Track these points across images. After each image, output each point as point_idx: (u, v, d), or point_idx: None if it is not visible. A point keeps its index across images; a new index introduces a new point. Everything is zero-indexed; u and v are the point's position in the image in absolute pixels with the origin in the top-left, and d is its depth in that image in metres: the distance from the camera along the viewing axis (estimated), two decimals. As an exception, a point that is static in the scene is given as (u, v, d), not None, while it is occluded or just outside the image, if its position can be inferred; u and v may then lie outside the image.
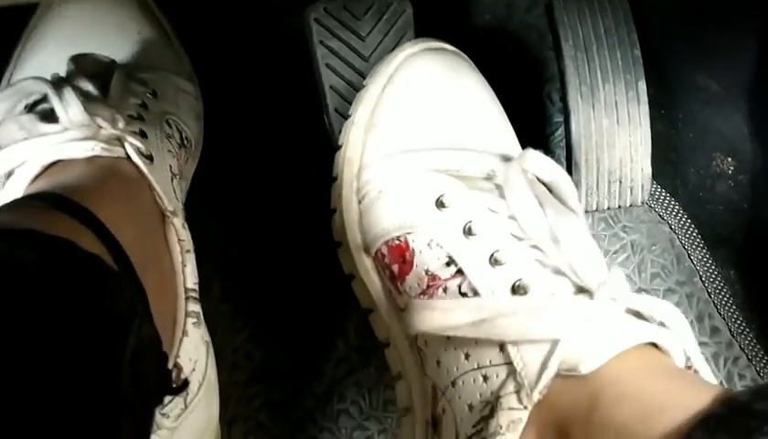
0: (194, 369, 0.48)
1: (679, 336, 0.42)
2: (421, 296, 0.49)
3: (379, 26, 0.61)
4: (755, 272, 0.73)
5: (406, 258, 0.50)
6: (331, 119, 0.61)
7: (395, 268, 0.51)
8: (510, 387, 0.43)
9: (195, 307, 0.49)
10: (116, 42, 0.59)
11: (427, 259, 0.49)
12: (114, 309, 0.36)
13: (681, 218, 0.75)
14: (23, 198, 0.45)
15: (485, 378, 0.45)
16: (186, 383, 0.46)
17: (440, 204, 0.49)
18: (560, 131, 0.74)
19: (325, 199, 0.67)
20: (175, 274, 0.49)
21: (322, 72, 0.61)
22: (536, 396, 0.42)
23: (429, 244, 0.49)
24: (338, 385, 0.67)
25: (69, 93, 0.48)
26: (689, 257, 0.75)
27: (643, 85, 0.66)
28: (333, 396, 0.67)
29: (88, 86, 0.51)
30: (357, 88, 0.58)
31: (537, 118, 0.76)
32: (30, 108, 0.52)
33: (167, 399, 0.45)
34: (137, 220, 0.47)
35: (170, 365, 0.45)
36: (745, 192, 0.73)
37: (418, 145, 0.53)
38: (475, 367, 0.45)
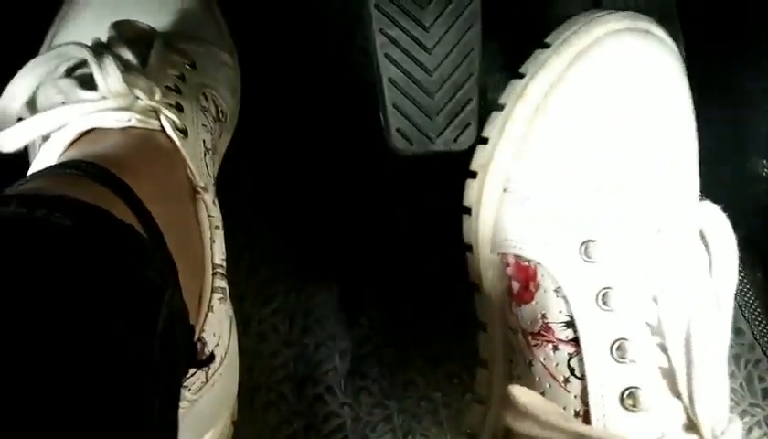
0: (217, 344, 0.48)
1: None
2: (530, 338, 0.45)
3: (444, 15, 0.56)
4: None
5: (529, 287, 0.46)
6: (387, 115, 0.56)
7: (515, 286, 0.47)
8: None
9: (221, 283, 0.50)
10: (158, 10, 0.59)
11: (549, 304, 0.45)
12: (148, 279, 0.36)
13: (712, 218, 0.74)
14: (58, 164, 0.45)
15: None
16: (212, 357, 0.46)
17: (585, 251, 0.44)
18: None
19: (358, 179, 0.68)
20: (203, 249, 0.49)
21: (380, 63, 0.56)
22: None
23: (556, 290, 0.45)
24: (360, 363, 0.67)
25: (109, 62, 0.48)
26: (717, 258, 0.73)
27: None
28: (355, 373, 0.67)
29: (127, 54, 0.51)
30: (417, 82, 0.55)
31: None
32: (70, 71, 0.52)
33: (190, 372, 0.45)
34: (168, 193, 0.47)
35: (195, 338, 0.46)
36: (779, 196, 0.72)
37: (593, 160, 0.46)
38: None
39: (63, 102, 0.49)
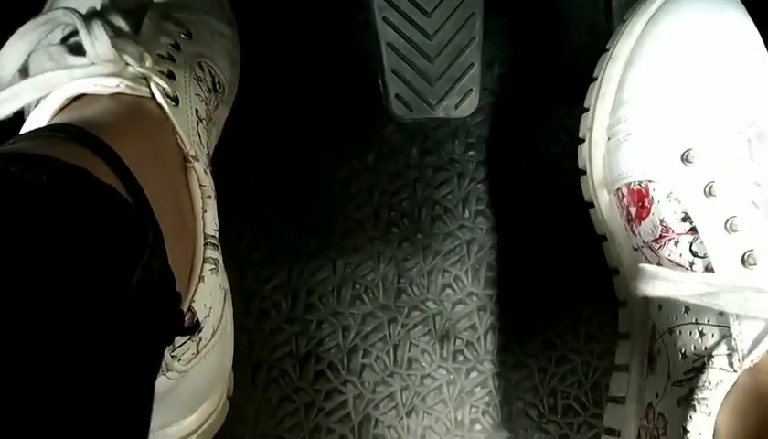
0: (208, 316, 0.47)
1: None
2: (653, 244, 0.52)
3: (444, -23, 0.55)
4: None
5: (645, 204, 0.52)
6: (386, 80, 0.55)
7: (632, 210, 0.53)
8: (723, 348, 0.47)
9: (213, 254, 0.49)
10: (156, -20, 0.58)
11: (664, 210, 0.51)
12: (124, 237, 0.35)
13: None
14: (43, 127, 0.44)
15: (701, 334, 0.48)
16: (197, 325, 0.45)
17: (685, 159, 0.51)
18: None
19: (362, 151, 0.67)
20: (194, 219, 0.48)
21: (378, 27, 0.55)
22: (747, 363, 0.46)
23: (668, 196, 0.51)
24: (364, 340, 0.66)
25: (98, 27, 0.48)
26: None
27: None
28: (358, 350, 0.66)
29: (120, 21, 0.51)
30: (417, 46, 0.54)
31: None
32: (65, 40, 0.52)
33: (179, 341, 0.44)
34: (157, 161, 0.46)
35: (184, 308, 0.45)
36: None
37: (675, 90, 0.53)
38: (694, 321, 0.49)
39: (53, 69, 0.48)
